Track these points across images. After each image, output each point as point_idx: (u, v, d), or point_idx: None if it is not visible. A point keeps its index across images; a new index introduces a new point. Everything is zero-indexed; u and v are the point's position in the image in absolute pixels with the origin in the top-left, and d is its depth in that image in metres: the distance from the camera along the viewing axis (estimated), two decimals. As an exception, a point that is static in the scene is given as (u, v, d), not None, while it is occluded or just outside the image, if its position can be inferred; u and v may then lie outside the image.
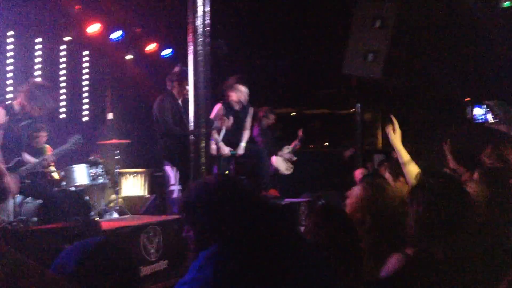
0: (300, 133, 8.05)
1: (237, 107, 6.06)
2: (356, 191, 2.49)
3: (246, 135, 6.26)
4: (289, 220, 1.53)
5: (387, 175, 3.70)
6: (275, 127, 7.78)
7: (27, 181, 4.53)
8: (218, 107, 6.00)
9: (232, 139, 6.09)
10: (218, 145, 5.96)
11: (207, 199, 1.46)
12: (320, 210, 2.17)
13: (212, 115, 5.91)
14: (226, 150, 5.99)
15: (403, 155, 2.91)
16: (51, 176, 6.06)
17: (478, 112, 6.85)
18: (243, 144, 6.13)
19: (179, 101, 5.39)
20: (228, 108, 6.01)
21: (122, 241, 3.87)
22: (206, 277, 1.27)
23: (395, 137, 2.98)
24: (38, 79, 6.52)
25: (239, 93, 5.99)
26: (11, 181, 4.31)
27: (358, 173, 6.38)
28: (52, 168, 6.09)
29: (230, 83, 6.02)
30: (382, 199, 2.40)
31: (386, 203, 2.37)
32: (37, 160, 4.88)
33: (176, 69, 5.40)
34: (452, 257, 1.70)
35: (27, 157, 4.86)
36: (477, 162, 2.84)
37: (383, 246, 2.22)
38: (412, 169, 2.84)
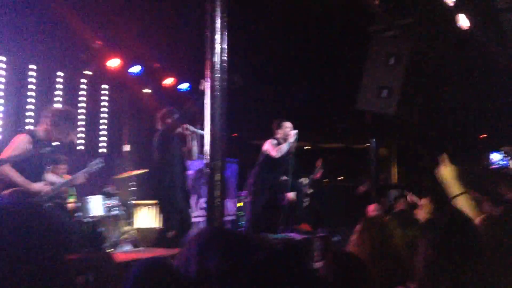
0: (318, 163, 8.07)
1: (284, 142, 6.62)
2: (356, 227, 2.55)
3: None
4: (294, 260, 1.52)
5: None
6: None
7: (48, 204, 4.50)
8: (268, 142, 6.55)
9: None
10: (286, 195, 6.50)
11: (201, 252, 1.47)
12: (332, 255, 2.18)
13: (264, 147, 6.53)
14: (292, 195, 6.60)
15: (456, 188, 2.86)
16: (68, 206, 6.09)
17: (496, 157, 6.83)
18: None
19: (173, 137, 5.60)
20: (278, 144, 6.56)
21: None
22: None
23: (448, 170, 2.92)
24: (62, 107, 6.62)
25: (285, 129, 6.59)
26: (35, 186, 4.33)
27: (371, 209, 6.31)
28: (71, 198, 6.12)
29: (277, 121, 6.68)
30: (378, 234, 2.44)
31: (383, 239, 2.42)
32: (62, 181, 4.90)
33: (163, 110, 5.73)
34: None
35: (51, 178, 4.81)
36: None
37: (380, 281, 2.24)
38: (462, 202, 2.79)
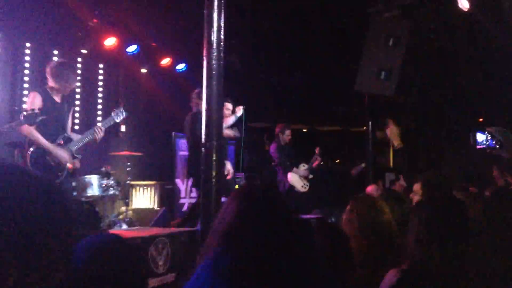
0: (317, 150, 8.03)
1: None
2: (347, 207, 2.59)
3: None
4: (311, 241, 1.53)
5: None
6: (292, 143, 7.79)
7: (78, 156, 4.79)
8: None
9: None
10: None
11: (247, 204, 1.47)
12: (316, 224, 2.23)
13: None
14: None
15: None
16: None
17: (480, 138, 6.80)
18: None
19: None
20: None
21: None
22: (207, 275, 1.28)
23: None
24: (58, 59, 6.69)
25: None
26: (62, 153, 4.50)
27: (370, 190, 6.32)
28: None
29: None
30: (367, 212, 2.47)
31: (373, 217, 2.45)
32: (87, 132, 5.05)
33: (197, 90, 5.61)
34: (446, 270, 1.74)
35: (73, 135, 5.02)
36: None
37: (372, 258, 2.28)
38: None
